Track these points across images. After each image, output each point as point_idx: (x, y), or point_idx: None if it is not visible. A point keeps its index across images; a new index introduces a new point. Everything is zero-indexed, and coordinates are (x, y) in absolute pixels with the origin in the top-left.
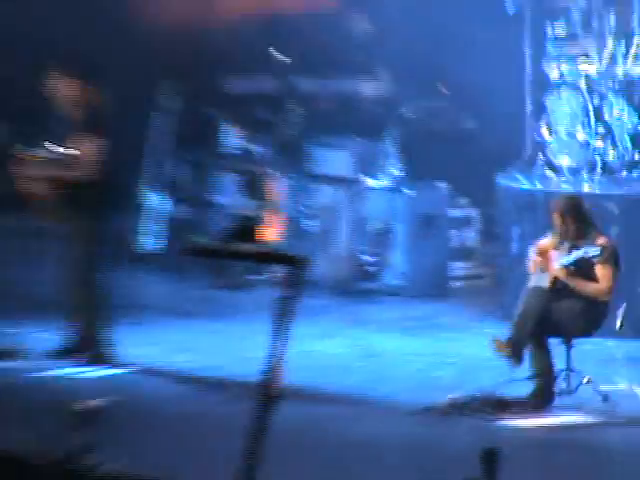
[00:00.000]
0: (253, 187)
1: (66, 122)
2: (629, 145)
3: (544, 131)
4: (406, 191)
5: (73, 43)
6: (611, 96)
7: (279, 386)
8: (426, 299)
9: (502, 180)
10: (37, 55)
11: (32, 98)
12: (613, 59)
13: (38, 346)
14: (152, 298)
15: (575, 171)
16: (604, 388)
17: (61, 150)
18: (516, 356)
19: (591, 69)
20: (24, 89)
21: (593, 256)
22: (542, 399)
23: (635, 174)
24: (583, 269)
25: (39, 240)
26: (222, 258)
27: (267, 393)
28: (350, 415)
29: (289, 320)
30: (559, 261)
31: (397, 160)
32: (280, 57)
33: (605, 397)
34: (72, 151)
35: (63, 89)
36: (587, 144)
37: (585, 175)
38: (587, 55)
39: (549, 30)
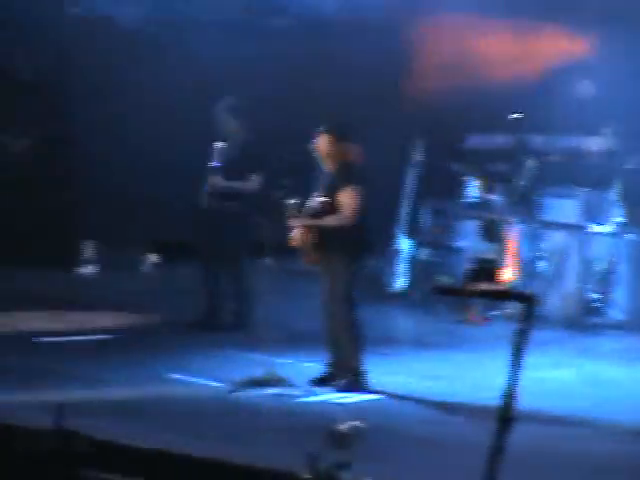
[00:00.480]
0: (491, 232)
1: (329, 175)
2: None
3: None
4: (628, 235)
5: (337, 107)
6: None
7: (514, 409)
8: None
9: None
10: (303, 118)
11: (299, 154)
12: None
13: (302, 374)
14: (400, 331)
15: None
16: None
17: (325, 200)
18: None
19: None
20: (292, 147)
21: None
22: None
23: None
24: None
25: (304, 279)
26: (464, 296)
27: (504, 416)
28: (578, 435)
29: (523, 350)
30: None
31: (620, 208)
32: (515, 116)
33: None
34: (335, 200)
35: (328, 146)
36: None
37: None
38: None
39: None
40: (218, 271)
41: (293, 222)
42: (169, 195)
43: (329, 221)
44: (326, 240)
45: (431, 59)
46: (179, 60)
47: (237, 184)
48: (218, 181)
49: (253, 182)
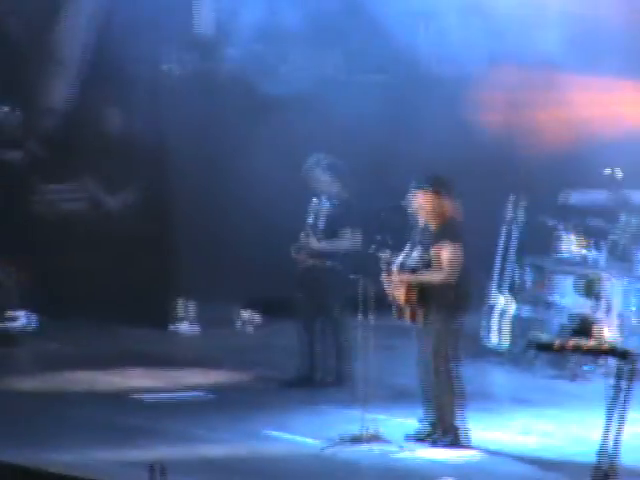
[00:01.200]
0: (589, 288)
1: (427, 231)
2: None
3: None
4: None
5: (434, 162)
6: None
7: (612, 465)
8: None
9: None
10: (400, 173)
11: (395, 211)
12: None
13: (398, 430)
14: (498, 387)
15: None
16: None
17: (424, 255)
18: None
19: None
20: (389, 203)
21: None
22: None
23: None
24: None
25: (399, 335)
26: (561, 352)
27: (600, 472)
28: None
29: (622, 406)
30: None
31: None
32: (612, 172)
33: None
34: (434, 257)
35: (426, 202)
36: None
37: None
38: None
39: None
40: (315, 328)
41: (392, 278)
42: (266, 252)
43: (430, 277)
44: (426, 297)
45: (532, 115)
46: (275, 116)
47: (331, 243)
48: (312, 241)
49: (347, 239)
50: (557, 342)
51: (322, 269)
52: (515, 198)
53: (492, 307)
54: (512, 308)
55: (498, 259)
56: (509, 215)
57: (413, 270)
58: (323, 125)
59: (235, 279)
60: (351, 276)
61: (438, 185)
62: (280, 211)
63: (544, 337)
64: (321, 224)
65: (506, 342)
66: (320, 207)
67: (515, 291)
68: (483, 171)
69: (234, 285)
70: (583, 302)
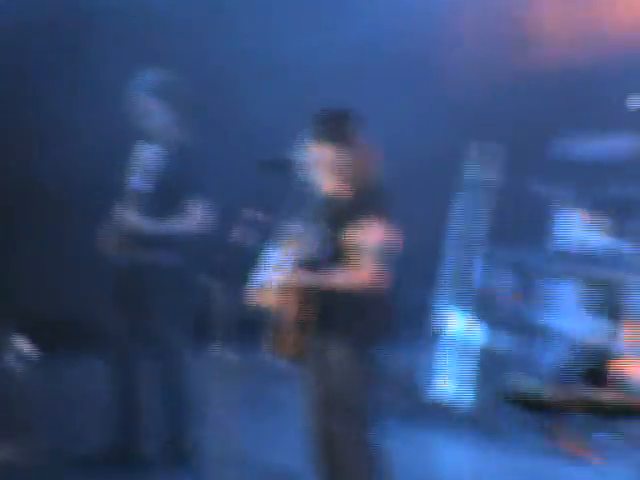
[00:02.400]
0: (603, 302)
1: (334, 205)
2: None
3: None
4: None
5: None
6: None
7: None
8: None
9: None
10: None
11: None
12: None
13: None
14: (447, 473)
15: None
16: None
17: (325, 244)
18: None
19: None
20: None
21: None
22: None
23: None
24: None
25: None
26: (560, 409)
27: None
28: None
29: None
30: None
31: None
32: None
33: None
34: (342, 245)
35: (325, 158)
36: None
37: None
38: None
39: None
40: (137, 368)
41: (273, 281)
42: (50, 247)
43: (340, 278)
44: (329, 313)
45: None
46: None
47: (166, 221)
48: (134, 218)
49: (194, 216)
50: (550, 393)
51: (151, 267)
52: (479, 148)
53: (439, 335)
54: (474, 335)
55: (450, 252)
56: (469, 178)
57: (310, 266)
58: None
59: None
60: (200, 278)
61: (346, 129)
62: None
63: (528, 384)
64: (150, 190)
65: (463, 393)
66: (149, 161)
67: (480, 306)
68: (421, 103)
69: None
70: (595, 324)
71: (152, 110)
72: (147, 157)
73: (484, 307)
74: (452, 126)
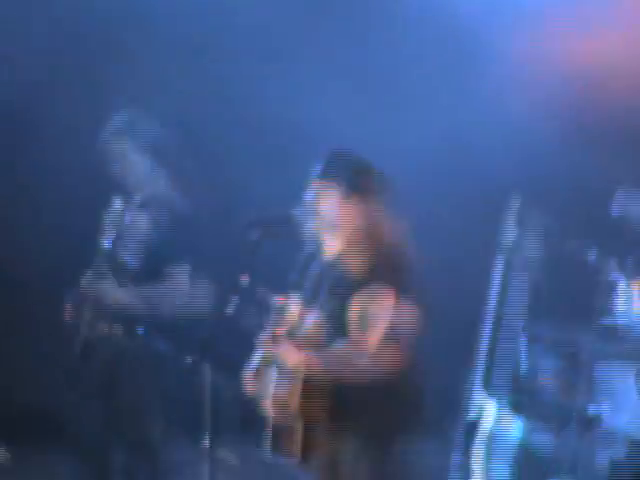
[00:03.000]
0: None
1: (344, 269)
2: None
3: None
4: None
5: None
6: None
7: None
8: None
9: None
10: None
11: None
12: None
13: None
14: None
15: None
16: None
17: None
18: None
19: None
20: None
21: None
22: None
23: None
24: None
25: None
26: None
27: None
28: None
29: None
30: None
31: None
32: None
33: None
34: (357, 319)
35: (339, 210)
36: None
37: None
38: None
39: None
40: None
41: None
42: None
43: (351, 357)
44: (335, 403)
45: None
46: None
47: (149, 289)
48: (109, 286)
49: (182, 283)
50: None
51: (128, 345)
52: (522, 206)
53: (473, 426)
54: (512, 428)
55: (487, 328)
56: (509, 239)
57: (314, 346)
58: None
59: None
60: (187, 359)
61: (363, 176)
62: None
63: None
64: (130, 252)
65: None
66: (128, 218)
67: (520, 394)
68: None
69: None
70: None
71: (131, 158)
72: (125, 214)
73: (525, 395)
74: (490, 179)
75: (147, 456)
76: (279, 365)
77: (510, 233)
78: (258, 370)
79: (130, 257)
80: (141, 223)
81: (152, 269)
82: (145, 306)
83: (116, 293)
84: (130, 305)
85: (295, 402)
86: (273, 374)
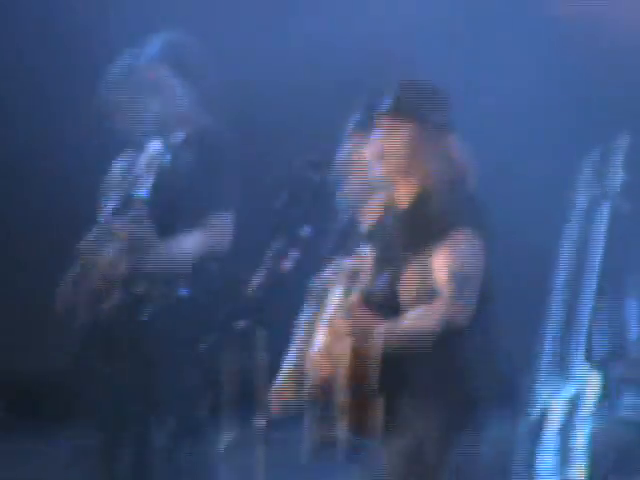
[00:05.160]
0: None
1: (402, 219)
2: None
3: None
4: None
5: None
6: None
7: None
8: None
9: None
10: None
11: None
12: None
13: None
14: None
15: None
16: None
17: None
18: None
19: None
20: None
21: None
22: None
23: None
24: None
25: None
26: None
27: None
28: None
29: None
30: None
31: None
32: None
33: None
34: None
35: (400, 146)
36: None
37: None
38: None
39: None
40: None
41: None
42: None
43: (420, 323)
44: (405, 375)
45: None
46: None
47: (180, 241)
48: (136, 231)
49: (219, 232)
50: None
51: (158, 305)
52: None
53: (539, 423)
54: (586, 419)
55: (585, 287)
56: (615, 183)
57: (378, 309)
58: None
59: None
60: (238, 324)
61: (434, 102)
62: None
63: None
64: (154, 199)
65: None
66: (149, 161)
67: (606, 369)
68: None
69: None
70: None
71: (173, 89)
72: (150, 155)
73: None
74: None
75: (189, 435)
76: (355, 335)
77: (616, 176)
78: (326, 345)
79: (155, 203)
80: (185, 163)
81: (181, 216)
82: (178, 258)
83: (156, 245)
84: (171, 259)
85: (374, 375)
86: (345, 346)
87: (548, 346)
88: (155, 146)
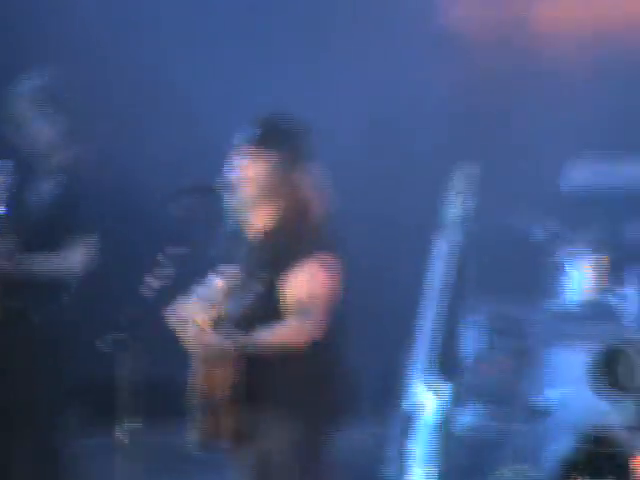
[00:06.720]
0: (620, 372)
1: (263, 242)
2: None
3: None
4: None
5: None
6: None
7: None
8: None
9: None
10: None
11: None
12: None
13: None
14: None
15: None
16: None
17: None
18: None
19: None
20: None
21: None
22: None
23: None
24: None
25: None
26: None
27: None
28: None
29: None
30: None
31: None
32: None
33: None
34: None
35: (265, 178)
36: None
37: None
38: None
39: None
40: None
41: (195, 340)
42: None
43: (277, 336)
44: (263, 385)
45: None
46: None
47: (44, 258)
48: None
49: (74, 255)
50: None
51: (18, 323)
52: (463, 175)
53: (408, 415)
54: (451, 414)
55: (426, 310)
56: (450, 215)
57: (240, 324)
58: None
59: None
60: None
61: (293, 137)
62: None
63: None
64: (23, 220)
65: None
66: (32, 185)
67: (461, 378)
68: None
69: None
70: (608, 403)
71: (41, 123)
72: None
73: (467, 378)
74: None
75: (55, 446)
76: (208, 349)
77: (453, 207)
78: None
79: (30, 225)
80: (48, 189)
81: (48, 237)
82: (41, 273)
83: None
84: (28, 270)
85: (226, 385)
86: (203, 357)
87: (415, 357)
88: (7, 165)
